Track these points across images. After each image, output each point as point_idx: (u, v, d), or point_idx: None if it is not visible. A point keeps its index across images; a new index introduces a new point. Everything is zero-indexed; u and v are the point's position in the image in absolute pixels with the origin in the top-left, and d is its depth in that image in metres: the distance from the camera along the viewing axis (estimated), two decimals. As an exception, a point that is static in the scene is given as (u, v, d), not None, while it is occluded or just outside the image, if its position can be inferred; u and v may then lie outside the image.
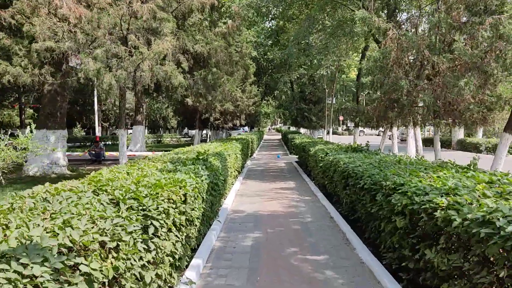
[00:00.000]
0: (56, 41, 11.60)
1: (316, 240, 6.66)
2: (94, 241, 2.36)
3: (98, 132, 42.37)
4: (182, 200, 4.07)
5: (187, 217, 4.26)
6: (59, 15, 11.44)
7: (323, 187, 11.30)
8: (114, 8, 11.39)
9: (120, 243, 2.61)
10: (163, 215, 3.36)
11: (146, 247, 3.07)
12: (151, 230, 3.18)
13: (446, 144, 30.77)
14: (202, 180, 5.35)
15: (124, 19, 11.61)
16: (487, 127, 30.65)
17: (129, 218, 2.86)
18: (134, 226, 2.84)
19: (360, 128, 20.93)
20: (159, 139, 51.92)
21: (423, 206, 3.65)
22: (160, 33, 11.82)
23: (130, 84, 12.55)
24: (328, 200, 10.03)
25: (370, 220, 5.76)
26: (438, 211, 3.39)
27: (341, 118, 68.62)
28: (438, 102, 8.68)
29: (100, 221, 2.61)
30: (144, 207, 3.23)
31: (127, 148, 32.53)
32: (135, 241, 2.86)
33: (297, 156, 20.84)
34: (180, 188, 4.10)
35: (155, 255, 3.24)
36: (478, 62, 8.34)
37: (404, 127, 15.94)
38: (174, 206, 3.74)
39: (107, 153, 27.02)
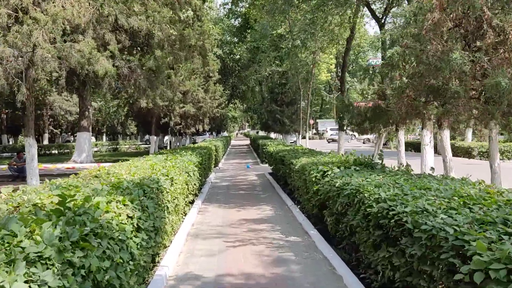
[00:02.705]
0: None
1: None
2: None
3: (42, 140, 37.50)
4: None
5: None
6: None
7: (317, 219, 7.74)
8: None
9: None
10: None
11: None
12: None
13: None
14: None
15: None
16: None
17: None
18: None
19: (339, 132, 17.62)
20: (115, 146, 46.99)
21: None
22: (72, -5, 7.90)
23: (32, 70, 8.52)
24: (328, 242, 6.49)
25: None
26: None
27: (311, 121, 65.97)
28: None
29: None
30: None
31: (70, 158, 28.06)
32: None
33: (270, 167, 17.26)
34: None
35: None
36: None
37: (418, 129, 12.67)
38: None
39: (40, 166, 22.52)
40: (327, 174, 6.81)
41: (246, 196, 11.83)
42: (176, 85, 12.67)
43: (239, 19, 43.94)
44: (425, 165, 9.74)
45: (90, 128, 27.02)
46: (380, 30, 10.81)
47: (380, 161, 7.14)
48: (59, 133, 54.84)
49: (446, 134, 8.09)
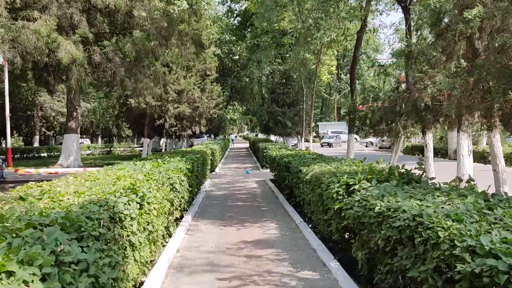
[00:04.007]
0: None
1: None
2: None
3: (13, 141, 35.73)
4: None
5: None
6: None
7: (336, 243, 6.08)
8: None
9: None
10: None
11: None
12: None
13: (441, 153, 26.47)
14: None
15: None
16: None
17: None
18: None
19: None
20: (109, 149, 45.22)
21: None
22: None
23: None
24: (354, 280, 4.80)
25: None
26: None
27: (312, 124, 64.17)
28: None
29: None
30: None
31: (57, 161, 26.30)
32: None
33: (272, 173, 15.54)
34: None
35: None
36: None
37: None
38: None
39: (22, 170, 20.79)
40: (354, 189, 5.11)
41: (245, 209, 10.11)
42: (160, 75, 10.89)
43: (239, 18, 42.40)
44: (462, 175, 8.03)
45: (79, 130, 25.28)
46: (404, 15, 9.19)
47: (421, 172, 5.44)
48: (52, 135, 53.11)
49: (497, 137, 6.41)
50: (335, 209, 5.35)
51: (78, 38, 7.22)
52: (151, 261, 5.39)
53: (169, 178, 6.47)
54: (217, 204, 10.90)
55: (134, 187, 4.33)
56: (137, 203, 4.19)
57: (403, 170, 5.55)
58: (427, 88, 6.01)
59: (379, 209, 3.93)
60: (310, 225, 7.73)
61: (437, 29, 4.92)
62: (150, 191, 4.81)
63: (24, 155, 35.13)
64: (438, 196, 3.84)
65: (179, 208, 7.59)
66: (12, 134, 48.44)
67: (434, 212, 3.13)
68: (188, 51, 12.69)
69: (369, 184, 5.03)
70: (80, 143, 44.32)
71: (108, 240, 3.21)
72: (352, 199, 4.80)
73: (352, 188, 5.16)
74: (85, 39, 7.54)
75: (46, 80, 12.13)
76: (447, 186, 4.45)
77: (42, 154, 37.20)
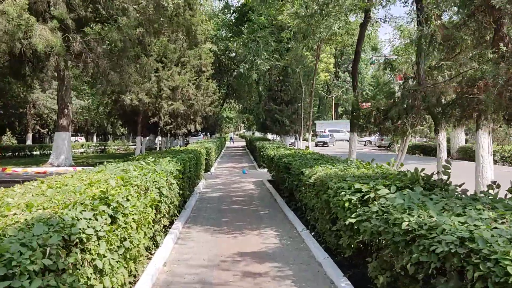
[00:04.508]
0: None
1: None
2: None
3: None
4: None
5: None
6: None
7: (344, 258, 5.31)
8: None
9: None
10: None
11: None
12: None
13: (443, 152, 25.77)
14: None
15: None
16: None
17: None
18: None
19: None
20: (103, 147, 44.31)
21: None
22: None
23: None
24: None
25: None
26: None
27: (310, 123, 63.41)
28: None
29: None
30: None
31: (47, 160, 25.44)
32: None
33: (270, 174, 14.76)
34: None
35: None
36: None
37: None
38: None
39: (9, 170, 19.92)
40: (370, 197, 4.35)
41: (241, 214, 9.33)
42: (148, 67, 10.08)
43: (235, 14, 41.58)
44: (481, 178, 7.31)
45: (70, 128, 24.42)
46: (416, 5, 8.47)
47: (446, 177, 4.68)
48: (46, 133, 52.12)
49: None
50: (346, 223, 4.57)
51: (56, 25, 6.41)
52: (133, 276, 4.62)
53: (156, 181, 5.68)
54: (211, 207, 10.12)
55: (106, 196, 3.54)
56: (109, 215, 3.40)
57: (422, 174, 4.81)
58: (444, 80, 5.27)
59: (408, 225, 3.16)
60: (313, 234, 6.96)
61: (467, 10, 4.21)
62: (128, 199, 4.03)
63: (16, 153, 34.17)
64: (483, 210, 3.08)
65: (167, 215, 6.81)
66: (4, 132, 47.42)
67: (492, 236, 2.37)
68: (180, 42, 11.87)
69: (387, 191, 4.28)
70: (75, 141, 43.46)
71: (61, 271, 2.43)
72: (369, 209, 4.04)
73: (367, 196, 4.40)
74: (64, 26, 6.72)
75: (23, 73, 11.22)
76: (484, 195, 3.70)
77: (35, 152, 36.27)
